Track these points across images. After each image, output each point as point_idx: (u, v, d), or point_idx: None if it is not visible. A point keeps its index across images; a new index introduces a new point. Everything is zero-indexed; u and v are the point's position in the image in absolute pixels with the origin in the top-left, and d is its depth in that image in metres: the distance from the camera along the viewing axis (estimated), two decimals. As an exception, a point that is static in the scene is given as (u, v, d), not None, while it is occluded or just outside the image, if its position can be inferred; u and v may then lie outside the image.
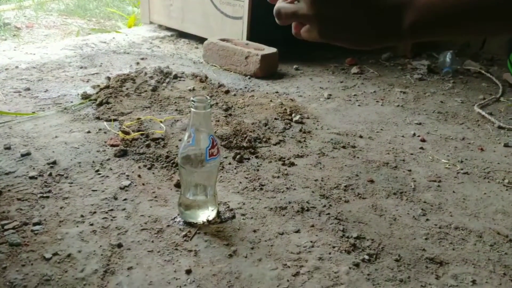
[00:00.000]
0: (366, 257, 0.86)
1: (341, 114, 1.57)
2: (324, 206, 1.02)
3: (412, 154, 1.31)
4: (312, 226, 0.94)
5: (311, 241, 0.90)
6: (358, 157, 1.26)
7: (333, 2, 0.51)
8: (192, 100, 0.82)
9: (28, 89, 1.54)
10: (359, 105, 1.67)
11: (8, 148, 1.14)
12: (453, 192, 1.13)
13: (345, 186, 1.10)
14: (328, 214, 0.99)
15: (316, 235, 0.92)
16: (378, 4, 0.50)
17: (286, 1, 0.58)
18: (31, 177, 1.02)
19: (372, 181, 1.14)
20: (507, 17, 0.45)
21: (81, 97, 1.49)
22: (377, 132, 1.44)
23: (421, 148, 1.35)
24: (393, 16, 0.49)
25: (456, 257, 0.89)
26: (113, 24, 2.91)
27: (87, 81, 1.66)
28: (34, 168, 1.06)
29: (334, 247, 0.89)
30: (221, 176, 1.10)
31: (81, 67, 1.82)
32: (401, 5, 0.49)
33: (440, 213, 1.04)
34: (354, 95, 1.77)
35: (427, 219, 1.01)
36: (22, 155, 1.11)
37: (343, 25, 0.52)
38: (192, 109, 0.83)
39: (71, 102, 1.46)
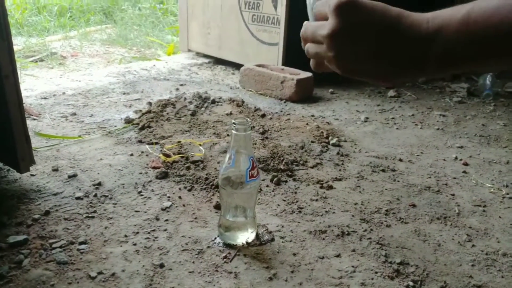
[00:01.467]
0: (411, 283, 0.84)
1: (379, 137, 1.56)
2: (365, 230, 1.00)
3: (454, 178, 1.28)
4: (353, 250, 0.93)
5: (353, 266, 0.88)
6: (398, 181, 1.24)
7: (354, 42, 0.50)
8: (233, 123, 0.84)
9: (75, 114, 1.62)
10: (397, 128, 1.65)
11: (56, 170, 1.19)
12: (499, 217, 1.09)
13: (386, 210, 1.08)
14: (370, 238, 0.97)
15: (358, 260, 0.90)
16: (404, 37, 0.48)
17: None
18: (78, 198, 1.06)
19: (414, 206, 1.11)
20: None
21: (124, 122, 1.54)
22: (417, 155, 1.42)
23: (464, 172, 1.32)
24: (420, 49, 0.48)
25: (505, 285, 0.85)
26: (153, 52, 3.02)
27: (130, 106, 1.73)
28: (80, 189, 1.10)
29: (376, 272, 0.87)
30: (259, 199, 1.10)
31: (124, 93, 1.89)
32: (428, 37, 0.47)
33: (487, 239, 1.00)
34: (392, 118, 1.75)
35: (473, 245, 0.97)
36: (69, 177, 1.15)
37: (365, 64, 0.51)
38: (233, 131, 0.84)
39: (115, 126, 1.52)
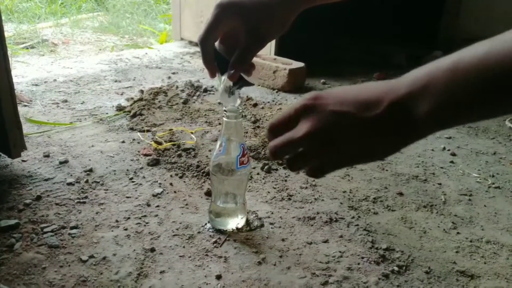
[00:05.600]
0: (396, 268, 0.86)
1: (369, 127, 1.57)
2: (353, 217, 1.02)
3: (442, 167, 1.30)
4: (341, 236, 0.95)
5: (340, 251, 0.90)
6: (387, 170, 1.26)
7: (336, 135, 0.48)
8: (224, 110, 0.85)
9: (66, 101, 1.61)
10: (387, 119, 1.67)
11: (47, 156, 1.19)
12: (485, 206, 1.11)
13: (374, 198, 1.10)
14: (357, 225, 0.99)
15: (345, 246, 0.92)
16: (383, 110, 0.45)
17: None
18: (69, 184, 1.07)
19: (401, 194, 1.13)
20: None
21: (116, 109, 1.54)
22: (406, 145, 1.43)
23: (451, 162, 1.34)
24: (401, 119, 0.45)
25: (488, 271, 0.88)
26: (145, 40, 3.01)
27: (122, 94, 1.73)
28: (71, 175, 1.11)
29: (363, 257, 0.89)
30: (249, 186, 1.11)
31: (116, 81, 1.89)
32: (408, 100, 0.44)
33: (471, 226, 1.02)
34: (382, 109, 1.77)
35: (458, 233, 0.99)
36: (61, 163, 1.16)
37: (356, 149, 0.49)
38: (224, 119, 0.85)
39: (107, 113, 1.52)
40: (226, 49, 0.74)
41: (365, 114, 0.46)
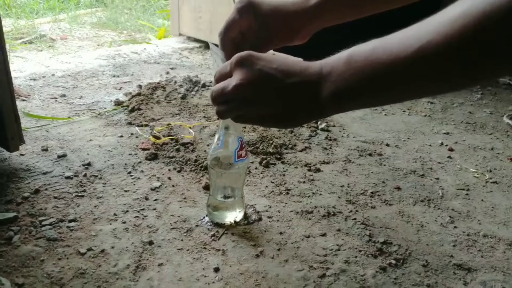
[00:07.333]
0: (393, 261, 0.86)
1: (367, 123, 1.58)
2: (351, 211, 1.02)
3: (439, 162, 1.30)
4: (338, 230, 0.95)
5: (337, 245, 0.90)
6: (384, 165, 1.26)
7: (257, 89, 0.56)
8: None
9: (64, 95, 1.61)
10: (385, 115, 1.67)
11: (45, 149, 1.19)
12: (482, 200, 1.12)
13: (372, 193, 1.11)
14: (355, 219, 0.99)
15: (342, 239, 0.92)
16: (300, 81, 0.54)
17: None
18: (67, 177, 1.07)
19: (399, 188, 1.14)
20: (419, 80, 0.45)
21: (114, 104, 1.54)
22: (404, 141, 1.44)
23: (449, 157, 1.34)
24: (315, 91, 0.52)
25: (484, 264, 0.88)
26: (144, 36, 3.00)
27: (120, 89, 1.73)
28: (69, 169, 1.11)
29: (360, 251, 0.89)
30: (247, 180, 1.12)
31: (114, 76, 1.89)
32: (322, 79, 0.52)
33: (469, 220, 1.03)
34: (381, 104, 1.77)
35: (455, 227, 1.00)
36: (59, 157, 1.16)
37: (268, 109, 0.57)
38: (223, 112, 0.85)
39: (105, 108, 1.52)
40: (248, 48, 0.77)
41: (285, 80, 0.55)
